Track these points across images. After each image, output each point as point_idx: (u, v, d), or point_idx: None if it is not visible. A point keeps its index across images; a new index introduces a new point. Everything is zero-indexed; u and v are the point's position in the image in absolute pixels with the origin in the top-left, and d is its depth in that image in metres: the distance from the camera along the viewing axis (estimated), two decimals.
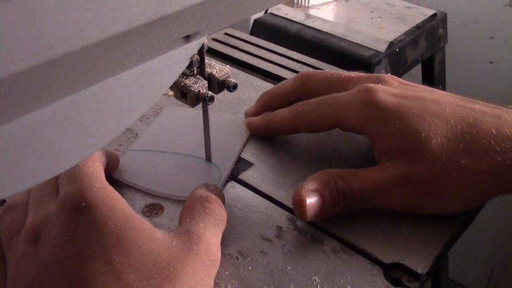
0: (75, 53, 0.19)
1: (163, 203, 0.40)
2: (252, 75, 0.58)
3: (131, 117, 0.24)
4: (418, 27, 0.89)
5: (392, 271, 0.35)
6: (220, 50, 0.63)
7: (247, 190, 0.41)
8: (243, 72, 0.58)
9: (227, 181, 0.42)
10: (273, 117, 0.45)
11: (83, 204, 0.30)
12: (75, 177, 0.31)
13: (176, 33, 0.23)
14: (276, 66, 0.59)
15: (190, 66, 0.36)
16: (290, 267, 0.35)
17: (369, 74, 0.44)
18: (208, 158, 0.43)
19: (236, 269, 0.34)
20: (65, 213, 0.30)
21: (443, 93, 0.40)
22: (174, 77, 0.26)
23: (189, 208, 0.35)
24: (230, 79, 0.38)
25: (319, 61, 0.60)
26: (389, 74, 0.44)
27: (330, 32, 0.86)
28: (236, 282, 0.34)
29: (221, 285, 0.33)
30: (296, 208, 0.36)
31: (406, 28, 0.88)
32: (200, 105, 0.38)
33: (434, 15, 0.93)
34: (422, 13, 0.93)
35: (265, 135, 0.47)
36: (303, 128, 0.43)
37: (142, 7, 0.21)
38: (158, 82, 0.25)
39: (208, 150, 0.43)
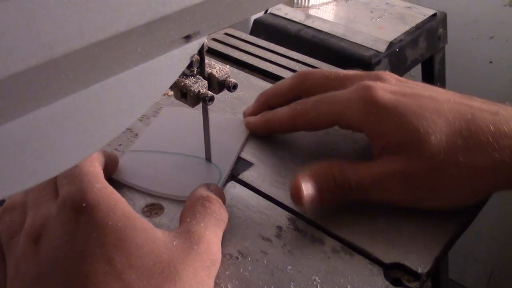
0: (75, 53, 0.19)
1: (163, 203, 0.40)
2: (252, 75, 0.58)
3: (131, 117, 0.24)
4: (418, 27, 0.89)
5: (392, 271, 0.35)
6: (220, 50, 0.63)
7: (247, 190, 0.41)
8: (243, 72, 0.58)
9: (227, 181, 0.42)
10: (272, 116, 0.45)
11: (84, 205, 0.30)
12: (75, 178, 0.31)
13: (176, 33, 0.23)
14: (276, 66, 0.59)
15: (190, 66, 0.36)
16: (290, 267, 0.35)
17: (367, 72, 0.44)
18: (208, 158, 0.43)
19: (236, 269, 0.34)
20: (65, 213, 0.30)
21: (441, 90, 0.40)
22: (174, 77, 0.26)
23: (189, 208, 0.35)
24: (230, 79, 0.38)
25: (319, 61, 0.60)
26: (386, 71, 0.44)
27: (330, 32, 0.86)
28: (236, 282, 0.34)
29: (221, 285, 0.33)
30: (293, 195, 0.37)
31: (406, 28, 0.88)
32: (198, 105, 0.38)
33: (434, 15, 0.93)
34: (422, 13, 0.93)
35: (264, 134, 0.47)
36: (302, 127, 0.43)
37: (142, 7, 0.21)
38: (158, 82, 0.25)
39: (208, 150, 0.43)
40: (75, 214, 0.29)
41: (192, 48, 0.26)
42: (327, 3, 0.96)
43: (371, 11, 0.94)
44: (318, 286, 0.33)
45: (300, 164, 0.44)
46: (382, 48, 0.82)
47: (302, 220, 0.38)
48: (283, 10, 0.92)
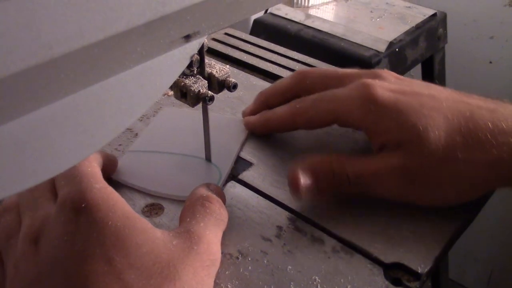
0: (75, 53, 0.19)
1: (163, 203, 0.40)
2: (252, 75, 0.58)
3: (131, 117, 0.24)
4: (418, 27, 0.89)
5: (393, 271, 0.35)
6: (220, 50, 0.63)
7: (247, 190, 0.41)
8: (243, 72, 0.58)
9: (227, 181, 0.42)
10: (271, 115, 0.46)
11: (83, 205, 0.30)
12: (74, 178, 0.31)
13: (176, 33, 0.23)
14: (276, 66, 0.59)
15: (190, 66, 0.36)
16: (290, 267, 0.35)
17: (366, 70, 0.44)
18: (208, 158, 0.43)
19: (236, 269, 0.34)
20: (65, 214, 0.30)
21: (439, 88, 0.41)
22: (174, 77, 0.26)
23: (189, 208, 0.35)
24: (230, 79, 0.38)
25: (319, 61, 0.60)
26: (385, 69, 0.44)
27: (330, 32, 0.86)
28: (237, 282, 0.34)
29: (222, 285, 0.33)
30: (290, 185, 0.38)
31: (406, 28, 0.88)
32: (198, 105, 0.38)
33: (434, 15, 0.93)
34: (422, 13, 0.93)
35: (264, 133, 0.47)
36: (302, 125, 0.43)
37: (142, 7, 0.21)
38: (158, 82, 0.25)
39: (208, 150, 0.43)
40: (75, 215, 0.29)
41: (192, 48, 0.26)
42: (327, 3, 0.96)
43: (371, 11, 0.94)
44: (318, 286, 0.33)
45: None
46: (382, 48, 0.82)
47: (302, 220, 0.38)
48: (283, 10, 0.92)
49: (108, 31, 0.20)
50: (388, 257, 0.35)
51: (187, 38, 0.24)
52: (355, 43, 0.83)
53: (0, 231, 0.33)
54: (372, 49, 0.82)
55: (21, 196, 0.34)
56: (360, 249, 0.36)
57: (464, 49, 1.20)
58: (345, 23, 0.89)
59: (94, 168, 0.33)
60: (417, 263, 0.35)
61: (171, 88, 0.37)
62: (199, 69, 0.37)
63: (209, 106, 0.39)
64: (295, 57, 0.62)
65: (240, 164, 0.44)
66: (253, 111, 0.48)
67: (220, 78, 0.38)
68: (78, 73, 0.20)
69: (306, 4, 0.93)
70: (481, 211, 0.41)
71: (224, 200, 0.38)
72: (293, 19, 0.91)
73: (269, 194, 0.41)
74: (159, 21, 0.21)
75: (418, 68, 0.99)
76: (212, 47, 0.63)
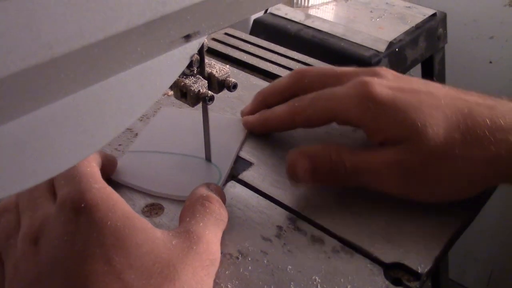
0: (75, 53, 0.19)
1: (163, 203, 0.40)
2: (252, 75, 0.58)
3: (131, 117, 0.24)
4: (417, 27, 0.89)
5: (393, 270, 0.35)
6: (220, 50, 0.63)
7: (247, 190, 0.41)
8: (243, 72, 0.58)
9: (226, 181, 0.42)
10: (270, 114, 0.46)
11: (83, 205, 0.30)
12: (73, 178, 0.31)
13: (176, 33, 0.23)
14: (276, 66, 0.59)
15: (190, 65, 0.36)
16: (290, 267, 0.35)
17: (364, 68, 0.44)
18: (208, 158, 0.43)
19: (236, 268, 0.34)
20: (65, 214, 0.30)
21: (438, 85, 0.41)
22: (174, 76, 0.26)
23: (189, 208, 0.35)
24: (230, 79, 0.38)
25: (319, 61, 0.60)
26: (383, 67, 0.44)
27: (329, 32, 0.86)
28: (237, 282, 0.34)
29: (222, 284, 0.33)
30: (288, 168, 0.39)
31: (406, 28, 0.88)
32: (197, 105, 0.38)
33: (434, 15, 0.93)
34: (421, 13, 0.93)
35: (263, 132, 0.47)
36: (300, 124, 0.43)
37: (142, 7, 0.21)
38: (158, 81, 0.25)
39: (208, 150, 0.43)
40: (75, 215, 0.29)
41: (192, 47, 0.26)
42: (327, 3, 0.96)
43: (371, 11, 0.94)
44: (318, 286, 0.33)
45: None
46: (382, 48, 0.82)
47: (302, 220, 0.38)
48: (283, 10, 0.92)
49: (108, 31, 0.20)
50: (388, 257, 0.35)
51: (187, 38, 0.24)
52: (355, 43, 0.83)
53: (0, 231, 0.33)
54: (372, 49, 0.82)
55: (21, 196, 0.34)
56: (360, 249, 0.36)
57: (464, 49, 1.20)
58: (345, 23, 0.88)
59: (93, 168, 0.33)
60: (417, 263, 0.35)
61: (171, 88, 0.37)
62: (199, 69, 0.37)
63: (209, 106, 0.39)
64: (295, 57, 0.62)
65: (240, 164, 0.44)
66: (252, 111, 0.48)
67: (220, 78, 0.38)
68: (78, 73, 0.20)
69: (306, 4, 0.93)
70: (481, 211, 0.41)
71: (224, 200, 0.38)
72: (293, 19, 0.91)
73: (269, 194, 0.41)
74: (159, 21, 0.21)
75: (418, 68, 0.99)
76: (212, 47, 0.63)
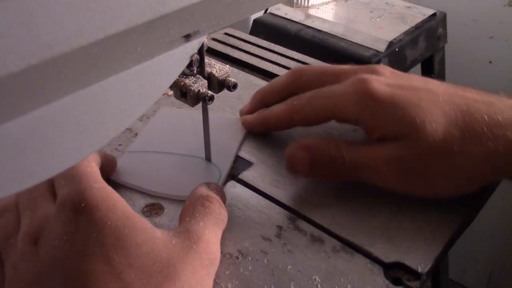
0: (74, 52, 0.19)
1: (163, 203, 0.40)
2: (252, 74, 0.58)
3: (131, 117, 0.24)
4: (417, 26, 0.89)
5: (393, 270, 0.35)
6: (219, 50, 0.63)
7: (247, 189, 0.41)
8: (243, 72, 0.58)
9: (226, 180, 0.42)
10: (268, 113, 0.46)
11: (83, 205, 0.30)
12: (73, 178, 0.31)
13: (176, 32, 0.23)
14: (276, 66, 0.59)
15: (190, 65, 0.36)
16: (290, 267, 0.35)
17: (361, 66, 0.45)
18: (208, 158, 0.43)
19: (236, 268, 0.34)
20: (64, 214, 0.30)
21: (436, 82, 0.41)
22: (174, 76, 0.26)
23: (189, 207, 0.35)
24: (230, 79, 0.38)
25: (318, 61, 0.60)
26: (381, 64, 0.44)
27: (329, 32, 0.86)
28: (237, 282, 0.34)
29: (222, 284, 0.33)
30: (287, 159, 0.40)
31: (406, 27, 0.88)
32: (196, 105, 0.38)
33: (434, 14, 0.93)
34: (421, 13, 0.93)
35: (262, 131, 0.47)
36: (299, 122, 0.43)
37: (142, 6, 0.20)
38: (158, 81, 0.25)
39: (208, 150, 0.43)
40: (75, 214, 0.29)
41: (192, 47, 0.26)
42: (326, 3, 0.96)
43: (371, 11, 0.94)
44: (318, 286, 0.33)
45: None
46: (381, 47, 0.82)
47: (302, 219, 0.38)
48: (282, 10, 0.92)
49: (108, 31, 0.20)
50: (388, 257, 0.35)
51: (187, 37, 0.24)
52: (355, 43, 0.83)
53: (0, 231, 0.33)
54: (372, 49, 0.82)
55: (20, 196, 0.34)
56: (360, 248, 0.36)
57: (463, 49, 1.20)
58: (344, 23, 0.88)
59: (93, 168, 0.33)
60: (417, 262, 0.35)
61: (171, 87, 0.37)
62: (199, 69, 0.37)
63: (209, 106, 0.39)
64: (295, 57, 0.62)
65: (240, 163, 0.44)
66: (250, 110, 0.48)
67: (220, 78, 0.38)
68: (77, 72, 0.20)
69: (306, 4, 0.93)
70: (481, 211, 0.41)
71: (224, 199, 0.38)
72: (292, 19, 0.91)
73: (269, 193, 0.41)
74: (159, 21, 0.21)
75: (417, 68, 0.99)
76: (212, 47, 0.63)
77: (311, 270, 0.34)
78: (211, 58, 0.40)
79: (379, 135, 0.39)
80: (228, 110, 0.51)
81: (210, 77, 0.38)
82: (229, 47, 0.63)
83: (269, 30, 0.90)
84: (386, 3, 0.97)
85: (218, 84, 0.38)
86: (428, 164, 0.37)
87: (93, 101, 0.22)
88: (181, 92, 0.37)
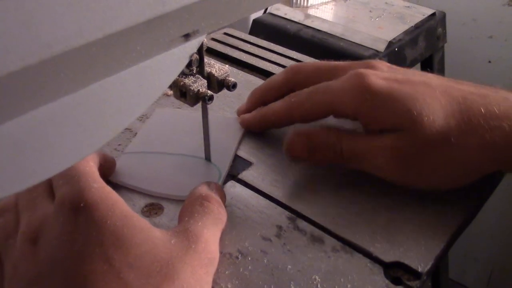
0: (74, 51, 0.19)
1: (163, 203, 0.40)
2: (252, 74, 0.58)
3: (131, 117, 0.24)
4: (417, 26, 0.89)
5: (393, 270, 0.34)
6: (219, 49, 0.63)
7: (247, 189, 0.41)
8: (242, 72, 0.58)
9: (226, 180, 0.42)
10: (267, 111, 0.46)
11: (82, 204, 0.29)
12: (72, 178, 0.31)
13: (175, 32, 0.23)
14: (275, 66, 0.59)
15: (189, 65, 0.36)
16: (290, 267, 0.35)
17: (358, 61, 0.45)
18: (208, 157, 0.43)
19: (236, 268, 0.34)
20: (63, 213, 0.30)
21: (432, 75, 0.41)
22: (173, 76, 0.26)
23: (188, 207, 0.35)
24: (230, 78, 0.38)
25: (318, 61, 0.60)
26: (377, 59, 0.45)
27: (329, 31, 0.86)
28: (236, 282, 0.33)
29: (221, 284, 0.33)
30: (286, 146, 0.42)
31: (405, 27, 0.88)
32: (196, 105, 0.38)
33: (433, 14, 0.93)
34: (421, 13, 0.93)
35: (261, 129, 0.47)
36: (298, 118, 0.44)
37: (142, 6, 0.20)
38: (157, 81, 0.25)
39: (208, 150, 0.43)
40: (74, 214, 0.29)
41: (192, 47, 0.26)
42: (326, 3, 0.96)
43: (370, 11, 0.94)
44: (318, 285, 0.33)
45: (300, 164, 0.44)
46: (381, 47, 0.82)
47: (302, 219, 0.38)
48: (282, 10, 0.92)
49: (107, 30, 0.20)
50: (388, 256, 0.35)
51: (187, 37, 0.24)
52: (354, 42, 0.83)
53: None
54: (372, 48, 0.82)
55: (20, 196, 0.34)
56: (360, 248, 0.36)
57: (463, 49, 1.20)
58: (344, 23, 0.88)
59: (91, 168, 0.33)
60: (417, 262, 0.35)
61: (171, 87, 0.37)
62: (198, 69, 0.37)
63: (208, 106, 0.39)
64: (294, 57, 0.62)
65: (239, 163, 0.44)
66: (248, 109, 0.48)
67: (220, 78, 0.38)
68: (77, 72, 0.20)
69: (305, 4, 0.93)
70: (481, 211, 0.41)
71: (224, 199, 0.38)
72: (292, 19, 0.91)
73: (269, 193, 0.41)
74: (159, 20, 0.21)
75: (417, 68, 0.99)
76: (212, 47, 0.63)
77: (311, 270, 0.34)
78: (210, 58, 0.40)
79: (377, 128, 0.39)
80: (227, 109, 0.51)
81: (209, 77, 0.38)
82: (229, 47, 0.63)
83: (268, 30, 0.90)
84: (386, 2, 0.97)
85: (218, 84, 0.38)
86: (425, 156, 0.37)
87: (92, 100, 0.22)
88: (181, 92, 0.37)
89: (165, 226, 0.38)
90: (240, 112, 0.49)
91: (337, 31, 0.86)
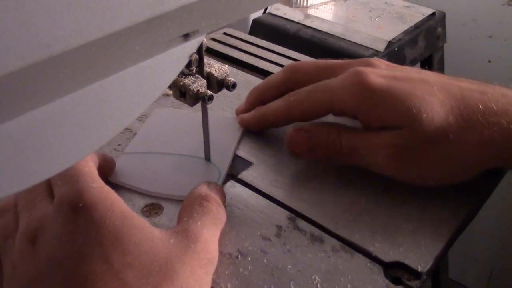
0: (73, 51, 0.19)
1: (163, 203, 0.40)
2: (251, 74, 0.58)
3: (130, 117, 0.24)
4: (416, 26, 0.89)
5: (393, 269, 0.34)
6: (219, 49, 0.63)
7: (247, 189, 0.41)
8: (242, 72, 0.58)
9: (225, 180, 0.42)
10: (266, 110, 0.46)
11: (81, 204, 0.29)
12: (71, 178, 0.31)
13: (175, 32, 0.23)
14: (275, 66, 0.59)
15: (189, 65, 0.36)
16: (290, 266, 0.35)
17: (356, 59, 0.45)
18: (207, 157, 0.43)
19: (236, 268, 0.34)
20: (62, 213, 0.30)
21: (430, 73, 0.41)
22: (173, 76, 0.26)
23: (187, 207, 0.35)
24: (229, 78, 0.38)
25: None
26: (375, 57, 0.45)
27: (329, 31, 0.86)
28: (236, 282, 0.33)
29: (221, 284, 0.33)
30: (286, 140, 0.43)
31: (405, 27, 0.88)
32: (195, 105, 0.38)
33: (433, 14, 0.93)
34: (420, 12, 0.93)
35: (260, 129, 0.47)
36: (297, 117, 0.44)
37: (141, 5, 0.20)
38: (157, 81, 0.25)
39: (207, 149, 0.43)
40: (73, 214, 0.29)
41: (191, 46, 0.26)
42: (325, 3, 0.96)
43: (370, 11, 0.94)
44: (318, 285, 0.33)
45: (300, 164, 0.44)
46: (381, 47, 0.82)
47: (302, 219, 0.38)
48: (282, 10, 0.92)
49: (106, 30, 0.19)
50: (388, 256, 0.35)
51: (186, 36, 0.24)
52: (354, 42, 0.83)
53: None
54: (371, 48, 0.82)
55: (19, 196, 0.34)
56: (360, 248, 0.36)
57: (463, 48, 1.20)
58: (344, 22, 0.88)
59: (90, 168, 0.33)
60: (417, 262, 0.35)
61: (170, 87, 0.37)
62: (198, 69, 0.37)
63: (208, 106, 0.39)
64: (294, 57, 0.62)
65: (239, 163, 0.44)
66: (247, 108, 0.48)
67: (219, 78, 0.38)
68: (76, 72, 0.20)
69: (305, 4, 0.93)
70: (481, 211, 0.41)
71: (224, 198, 0.38)
72: (292, 19, 0.91)
73: (268, 193, 0.41)
74: (158, 20, 0.21)
75: (417, 68, 0.99)
76: (211, 47, 0.63)
77: (311, 270, 0.34)
78: (210, 58, 0.40)
79: (377, 125, 0.39)
80: (227, 109, 0.51)
81: (209, 77, 0.38)
82: (228, 47, 0.63)
83: (268, 30, 0.90)
84: (385, 2, 0.97)
85: (217, 84, 0.38)
86: (424, 153, 0.37)
87: (92, 100, 0.22)
88: (180, 91, 0.37)
89: (164, 226, 0.38)
90: (238, 112, 0.49)
91: (336, 31, 0.86)
